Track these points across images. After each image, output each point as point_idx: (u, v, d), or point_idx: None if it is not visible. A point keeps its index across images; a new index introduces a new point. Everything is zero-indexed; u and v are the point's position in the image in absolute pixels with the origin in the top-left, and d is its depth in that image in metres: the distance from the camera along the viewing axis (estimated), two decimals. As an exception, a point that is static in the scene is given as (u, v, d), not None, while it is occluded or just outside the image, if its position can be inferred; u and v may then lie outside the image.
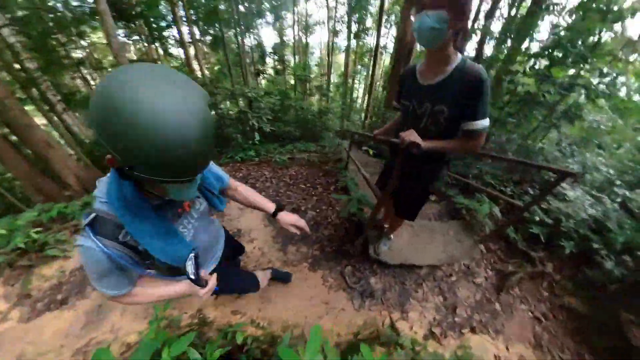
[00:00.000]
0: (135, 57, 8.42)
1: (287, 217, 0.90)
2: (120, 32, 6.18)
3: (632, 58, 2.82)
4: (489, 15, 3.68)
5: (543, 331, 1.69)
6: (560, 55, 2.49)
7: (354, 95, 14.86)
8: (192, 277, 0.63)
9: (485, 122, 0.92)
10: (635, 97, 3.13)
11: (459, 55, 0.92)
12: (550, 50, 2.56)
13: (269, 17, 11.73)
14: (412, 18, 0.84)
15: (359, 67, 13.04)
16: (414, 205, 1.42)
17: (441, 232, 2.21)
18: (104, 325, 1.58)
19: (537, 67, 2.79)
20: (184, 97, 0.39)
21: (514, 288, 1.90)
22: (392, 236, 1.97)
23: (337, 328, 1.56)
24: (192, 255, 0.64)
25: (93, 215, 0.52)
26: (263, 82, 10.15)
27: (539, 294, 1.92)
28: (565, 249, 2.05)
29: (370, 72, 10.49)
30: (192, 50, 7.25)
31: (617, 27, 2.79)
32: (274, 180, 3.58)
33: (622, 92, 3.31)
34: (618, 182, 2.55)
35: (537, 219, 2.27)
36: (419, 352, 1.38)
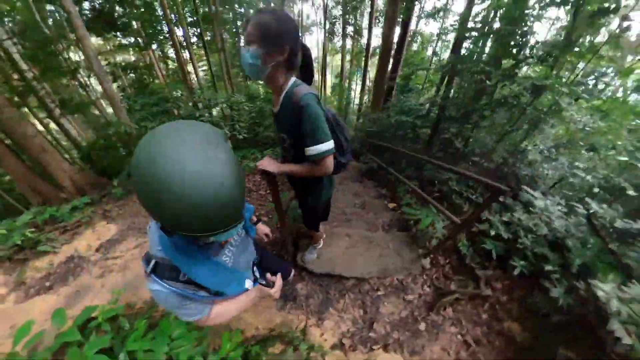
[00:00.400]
0: (133, 58, 8.86)
1: (262, 228, 1.13)
2: (118, 34, 6.53)
3: (626, 58, 2.48)
4: (467, 7, 3.44)
5: (469, 357, 1.53)
6: (525, 53, 2.26)
7: (351, 96, 14.53)
8: (261, 282, 0.73)
9: (321, 147, 0.87)
10: (633, 97, 2.77)
11: (291, 81, 0.89)
12: (516, 49, 2.33)
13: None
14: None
15: (356, 68, 12.76)
16: (308, 217, 1.54)
17: (380, 244, 2.09)
18: (77, 307, 1.91)
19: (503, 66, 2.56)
20: (205, 159, 0.41)
21: (446, 309, 1.74)
22: (318, 245, 1.91)
23: (257, 322, 1.70)
24: (253, 264, 0.74)
25: (153, 262, 0.58)
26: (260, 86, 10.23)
27: (477, 317, 1.74)
28: (516, 268, 1.84)
29: (362, 73, 10.29)
30: (186, 54, 7.48)
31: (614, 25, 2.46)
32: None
33: (619, 93, 2.96)
34: (596, 190, 2.25)
35: (493, 232, 2.07)
36: (314, 358, 1.39)
